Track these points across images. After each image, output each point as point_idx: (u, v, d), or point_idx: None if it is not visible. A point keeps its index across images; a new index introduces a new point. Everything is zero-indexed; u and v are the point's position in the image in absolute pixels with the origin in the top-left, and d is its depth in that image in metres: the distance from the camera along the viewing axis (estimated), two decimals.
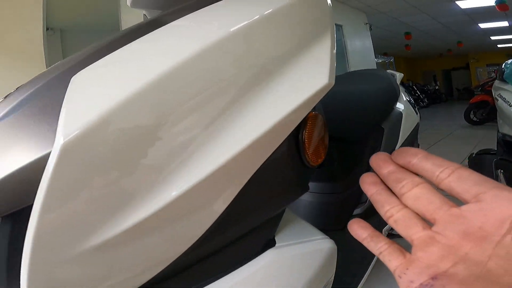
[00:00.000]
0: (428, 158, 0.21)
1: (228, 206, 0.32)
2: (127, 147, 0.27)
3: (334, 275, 0.50)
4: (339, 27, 5.86)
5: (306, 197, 1.15)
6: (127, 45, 0.32)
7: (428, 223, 0.21)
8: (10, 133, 0.29)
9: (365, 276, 0.96)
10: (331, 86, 0.35)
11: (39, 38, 2.27)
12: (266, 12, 0.34)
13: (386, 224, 1.22)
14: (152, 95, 0.27)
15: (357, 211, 1.15)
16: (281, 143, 0.34)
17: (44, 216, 0.24)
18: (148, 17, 0.63)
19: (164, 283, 0.35)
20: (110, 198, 0.27)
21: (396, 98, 1.30)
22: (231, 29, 0.31)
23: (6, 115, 0.31)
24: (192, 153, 0.28)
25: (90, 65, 0.30)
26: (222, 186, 0.31)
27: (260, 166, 0.33)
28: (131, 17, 2.83)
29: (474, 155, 1.66)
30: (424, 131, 5.19)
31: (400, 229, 0.22)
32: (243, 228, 0.38)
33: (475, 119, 5.49)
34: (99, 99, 0.26)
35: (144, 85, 0.27)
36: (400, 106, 1.29)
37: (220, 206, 0.31)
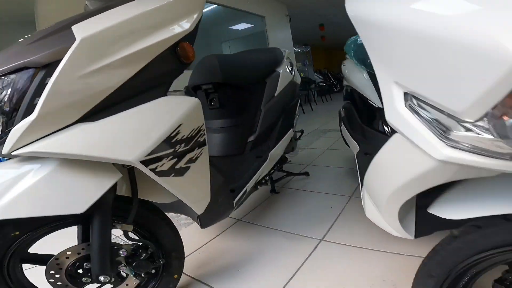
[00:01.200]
0: None
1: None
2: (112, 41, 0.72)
3: (204, 124, 0.94)
4: (262, 18, 6.31)
5: (215, 132, 1.65)
6: (104, 12, 0.76)
7: None
8: (52, 40, 0.71)
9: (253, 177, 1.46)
10: (191, 31, 0.84)
11: None
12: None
13: (273, 148, 1.79)
14: (125, 25, 0.72)
15: (250, 138, 1.68)
16: (167, 49, 0.80)
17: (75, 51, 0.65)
18: (90, 7, 1.03)
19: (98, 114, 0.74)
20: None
21: (277, 65, 1.88)
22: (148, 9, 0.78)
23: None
24: (135, 44, 0.74)
25: (84, 20, 0.73)
26: (143, 55, 0.76)
27: (155, 57, 0.78)
28: (48, 7, 2.87)
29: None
30: (335, 110, 6.23)
31: None
32: (145, 85, 0.79)
33: None
34: (101, 21, 0.71)
35: (122, 20, 0.72)
36: (279, 70, 1.86)
37: (139, 64, 0.76)
